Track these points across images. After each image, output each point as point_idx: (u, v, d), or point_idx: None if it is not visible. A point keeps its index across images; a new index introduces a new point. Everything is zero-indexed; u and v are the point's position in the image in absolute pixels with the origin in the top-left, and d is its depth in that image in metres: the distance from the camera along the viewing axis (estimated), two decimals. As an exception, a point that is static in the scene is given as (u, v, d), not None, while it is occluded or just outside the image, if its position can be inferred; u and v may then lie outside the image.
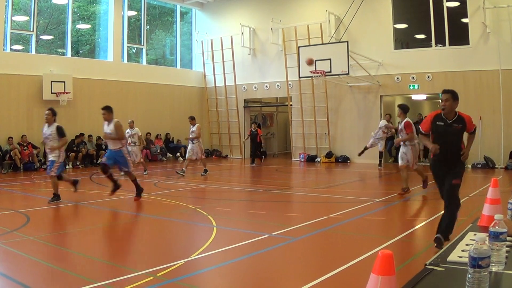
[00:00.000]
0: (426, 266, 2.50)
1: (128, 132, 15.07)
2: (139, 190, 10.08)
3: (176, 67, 24.36)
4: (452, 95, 5.78)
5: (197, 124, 14.83)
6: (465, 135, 6.08)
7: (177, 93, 23.26)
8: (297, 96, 21.47)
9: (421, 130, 6.06)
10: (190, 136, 14.90)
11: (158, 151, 21.40)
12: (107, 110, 10.30)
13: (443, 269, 2.57)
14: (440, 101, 5.91)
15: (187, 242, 6.78)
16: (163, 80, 22.60)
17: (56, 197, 9.96)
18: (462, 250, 2.75)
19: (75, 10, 20.11)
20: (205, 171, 14.94)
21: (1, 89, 17.09)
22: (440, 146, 5.82)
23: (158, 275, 4.91)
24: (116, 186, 10.02)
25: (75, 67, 19.12)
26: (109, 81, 20.26)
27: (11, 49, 17.99)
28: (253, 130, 19.65)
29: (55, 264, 5.45)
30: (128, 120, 15.54)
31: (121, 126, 10.16)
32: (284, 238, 6.78)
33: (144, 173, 15.27)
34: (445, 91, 5.85)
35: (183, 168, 14.72)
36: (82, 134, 18.88)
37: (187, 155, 15.10)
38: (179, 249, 6.26)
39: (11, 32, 17.82)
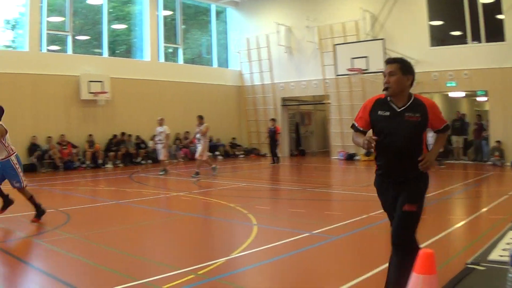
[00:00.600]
0: (467, 266, 2.40)
1: (157, 130, 15.31)
2: (39, 211, 7.67)
3: (212, 66, 24.47)
4: (400, 66, 3.70)
5: (205, 124, 14.61)
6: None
7: (214, 92, 23.29)
8: (334, 94, 21.20)
9: (356, 125, 3.93)
10: (197, 136, 14.63)
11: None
12: None
13: (484, 268, 2.46)
14: (383, 76, 3.82)
15: (227, 240, 6.80)
16: (200, 79, 22.68)
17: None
18: (503, 249, 2.62)
19: (110, 10, 20.30)
20: (197, 173, 14.02)
21: (40, 89, 17.41)
22: (384, 149, 3.77)
23: (199, 273, 4.90)
24: (7, 202, 7.77)
25: (112, 67, 19.37)
26: (147, 81, 20.43)
27: (47, 50, 18.36)
28: (271, 127, 19.33)
29: (95, 261, 5.47)
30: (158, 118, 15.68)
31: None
32: (324, 237, 6.62)
33: (160, 173, 15.15)
34: (389, 60, 3.81)
35: (197, 171, 14.32)
36: (123, 133, 19.20)
37: (196, 155, 14.87)
38: (220, 247, 6.24)
39: (47, 33, 18.15)
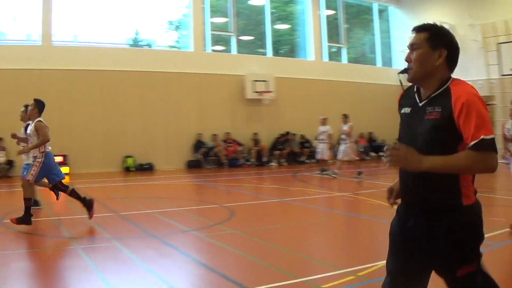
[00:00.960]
0: None
1: (320, 129, 14.92)
2: (25, 216, 6.81)
3: (376, 65, 23.48)
4: (429, 35, 2.32)
5: (349, 123, 13.77)
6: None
7: (378, 92, 22.13)
8: (500, 95, 18.83)
9: None
10: (342, 136, 14.01)
11: (362, 150, 21.00)
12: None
13: None
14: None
15: (388, 242, 6.23)
16: (363, 79, 21.65)
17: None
18: None
19: (273, 10, 20.28)
20: (359, 173, 13.20)
21: (205, 88, 17.79)
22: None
23: (359, 274, 4.75)
24: (88, 204, 7.21)
25: (276, 67, 19.21)
26: (311, 80, 19.96)
27: (212, 50, 18.84)
28: None
29: (256, 257, 5.46)
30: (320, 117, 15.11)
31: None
32: (487, 244, 5.78)
33: (324, 173, 14.38)
34: (415, 28, 2.40)
35: (335, 170, 13.49)
36: (287, 132, 19.03)
37: (338, 156, 14.20)
38: (381, 249, 5.79)
39: (211, 34, 18.64)
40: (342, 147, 13.77)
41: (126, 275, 4.95)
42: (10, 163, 14.78)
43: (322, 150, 14.70)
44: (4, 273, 4.99)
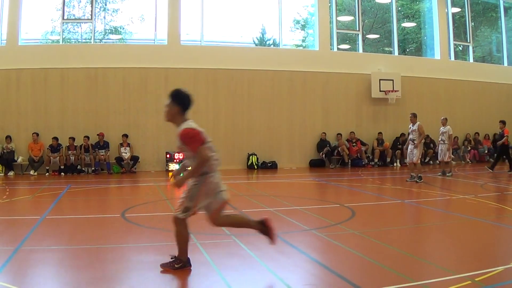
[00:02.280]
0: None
1: (440, 129, 14.46)
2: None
3: (503, 64, 22.20)
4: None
5: (418, 122, 12.85)
6: None
7: (504, 92, 21.03)
8: None
9: None
10: (410, 136, 13.05)
11: (486, 151, 19.83)
12: None
13: None
14: None
15: (508, 247, 6.25)
16: (490, 78, 20.72)
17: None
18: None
19: (399, 8, 20.12)
20: (419, 177, 12.61)
21: (331, 87, 18.06)
22: None
23: (476, 279, 4.61)
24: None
25: (403, 65, 19.01)
26: (437, 79, 19.50)
27: (338, 49, 18.98)
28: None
29: (374, 258, 5.40)
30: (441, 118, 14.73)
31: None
32: None
33: (448, 174, 14.11)
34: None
35: (412, 174, 12.86)
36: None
37: (409, 159, 13.09)
38: (499, 255, 5.77)
39: (337, 32, 18.77)
40: (440, 147, 13.99)
41: (245, 272, 5.08)
42: (135, 159, 15.96)
43: (442, 151, 14.26)
44: (124, 265, 5.41)
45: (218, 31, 18.25)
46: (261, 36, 19.31)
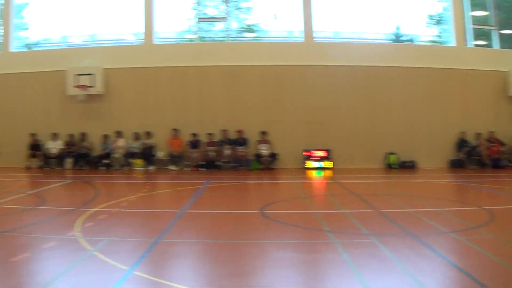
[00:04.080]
0: None
1: None
2: None
3: None
4: None
5: None
6: None
7: None
8: None
9: None
10: None
11: None
12: None
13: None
14: None
15: None
16: None
17: None
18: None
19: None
20: None
21: (469, 85, 17.95)
22: None
23: None
24: None
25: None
26: None
27: (474, 45, 18.91)
28: None
29: None
30: None
31: None
32: None
33: None
34: None
35: None
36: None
37: None
38: None
39: (472, 28, 18.70)
40: None
41: (381, 272, 5.22)
42: (273, 155, 16.87)
43: None
44: (262, 261, 5.77)
45: (352, 27, 18.83)
46: (397, 32, 19.69)
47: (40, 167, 17.19)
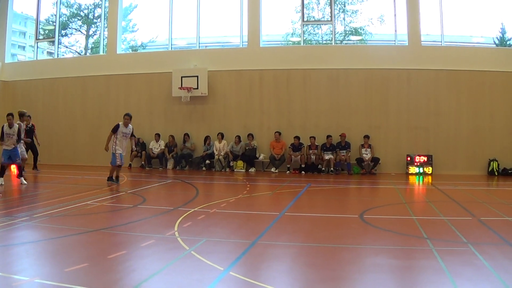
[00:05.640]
0: None
1: None
2: None
3: None
4: None
5: None
6: None
7: None
8: None
9: None
10: None
11: None
12: None
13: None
14: None
15: None
16: None
17: None
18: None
19: None
20: None
21: None
22: None
23: None
24: None
25: None
26: None
27: None
28: None
29: None
30: None
31: None
32: None
33: None
34: None
35: None
36: None
37: None
38: None
39: None
40: None
41: (476, 281, 5.27)
42: (375, 160, 17.32)
43: None
44: (359, 266, 5.93)
45: (458, 32, 19.02)
46: (501, 35, 19.56)
47: (142, 167, 18.94)
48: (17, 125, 13.74)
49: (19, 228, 8.00)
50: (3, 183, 13.32)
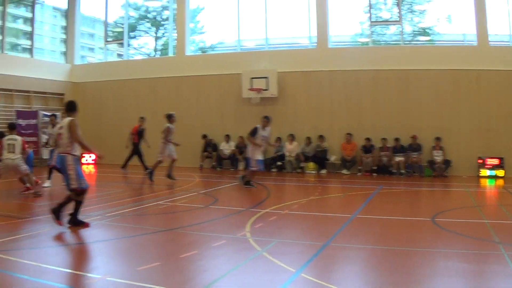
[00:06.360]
0: None
1: None
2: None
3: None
4: None
5: None
6: None
7: None
8: None
9: None
10: None
11: None
12: None
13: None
14: None
15: None
16: None
17: None
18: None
19: None
20: None
21: None
22: None
23: None
24: None
25: None
26: None
27: None
28: None
29: None
30: None
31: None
32: None
33: None
34: None
35: None
36: None
37: None
38: None
39: None
40: None
41: None
42: (447, 162, 17.59)
43: None
44: (430, 270, 5.99)
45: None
46: None
47: (213, 167, 19.99)
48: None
49: (91, 226, 8.44)
50: (50, 185, 13.85)
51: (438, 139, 17.90)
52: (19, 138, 12.15)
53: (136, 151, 17.42)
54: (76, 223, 8.36)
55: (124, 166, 17.69)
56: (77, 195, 8.34)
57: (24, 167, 12.08)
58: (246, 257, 6.54)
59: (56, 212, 8.26)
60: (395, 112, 18.68)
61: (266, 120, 13.80)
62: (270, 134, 14.14)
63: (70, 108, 8.70)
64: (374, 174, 18.01)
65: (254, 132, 13.69)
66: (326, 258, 6.60)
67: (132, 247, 7.33)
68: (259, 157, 13.91)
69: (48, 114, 19.91)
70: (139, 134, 17.21)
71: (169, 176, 15.26)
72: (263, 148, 14.21)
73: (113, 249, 7.36)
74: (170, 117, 15.34)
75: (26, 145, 12.52)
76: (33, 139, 20.07)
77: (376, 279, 5.77)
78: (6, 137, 12.09)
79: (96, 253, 7.14)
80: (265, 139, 13.87)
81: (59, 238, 7.87)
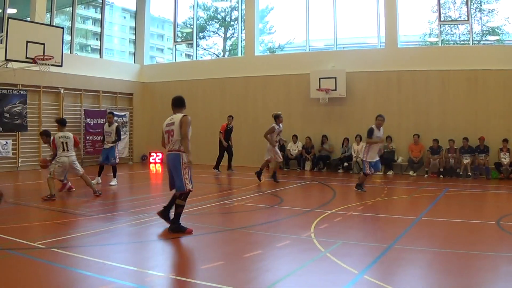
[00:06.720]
0: None
1: None
2: None
3: None
4: None
5: None
6: None
7: None
8: None
9: None
10: None
11: None
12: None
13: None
14: None
15: None
16: None
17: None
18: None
19: None
20: None
21: None
22: None
23: None
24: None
25: None
26: None
27: None
28: None
29: None
30: None
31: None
32: None
33: None
34: None
35: None
36: None
37: None
38: None
39: None
40: None
41: None
42: None
43: None
44: (492, 274, 6.11)
45: None
46: None
47: (280, 168, 20.55)
48: (116, 124, 14.74)
49: (155, 225, 8.74)
50: (100, 182, 14.46)
51: (505, 141, 17.83)
52: (71, 134, 12.26)
53: (227, 150, 18.56)
54: (178, 230, 8.17)
55: (216, 167, 18.91)
56: (185, 198, 8.22)
57: (79, 167, 12.38)
58: (310, 258, 6.66)
59: (167, 217, 8.38)
60: (463, 113, 18.72)
61: (382, 119, 13.66)
62: (383, 134, 13.98)
63: (180, 103, 8.40)
64: (441, 176, 18.13)
65: (370, 133, 13.43)
66: (390, 260, 6.65)
67: (197, 246, 7.56)
68: (376, 157, 13.72)
69: (119, 114, 21.05)
70: (227, 132, 17.90)
71: (273, 177, 15.90)
72: (379, 148, 14.09)
73: (177, 247, 7.57)
74: (277, 118, 15.71)
75: (78, 141, 12.79)
76: (101, 138, 21.05)
77: (438, 282, 5.82)
78: (59, 135, 12.05)
79: (160, 251, 7.39)
80: (380, 140, 13.68)
81: (123, 235, 8.33)
